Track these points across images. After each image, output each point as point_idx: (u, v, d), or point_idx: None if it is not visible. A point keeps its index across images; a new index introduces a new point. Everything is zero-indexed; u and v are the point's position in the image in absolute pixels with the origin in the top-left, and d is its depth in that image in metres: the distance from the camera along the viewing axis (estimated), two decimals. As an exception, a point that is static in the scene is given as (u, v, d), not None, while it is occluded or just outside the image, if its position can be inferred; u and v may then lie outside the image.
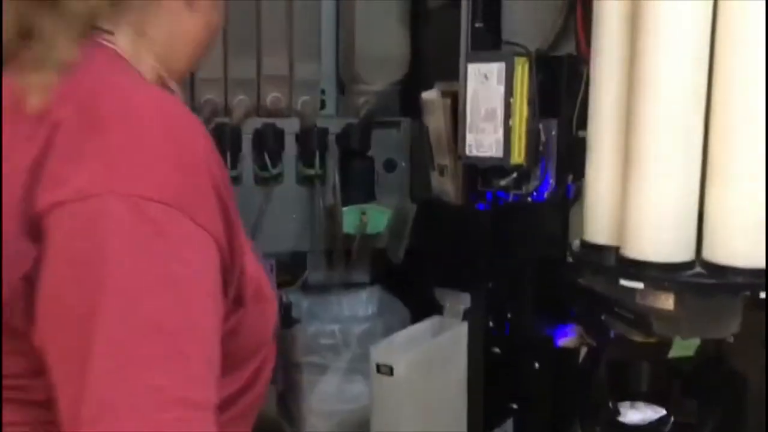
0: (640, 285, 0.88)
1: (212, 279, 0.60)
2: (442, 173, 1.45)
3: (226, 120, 1.50)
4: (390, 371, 1.05)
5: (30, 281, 0.56)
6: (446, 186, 1.44)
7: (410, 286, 1.59)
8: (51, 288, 0.56)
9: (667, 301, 0.92)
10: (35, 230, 0.56)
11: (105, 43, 0.68)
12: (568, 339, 1.22)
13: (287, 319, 1.49)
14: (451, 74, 1.31)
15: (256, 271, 0.74)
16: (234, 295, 0.66)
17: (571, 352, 1.23)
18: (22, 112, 0.59)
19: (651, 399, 1.11)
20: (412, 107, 1.53)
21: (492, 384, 1.22)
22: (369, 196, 1.60)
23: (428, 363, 1.11)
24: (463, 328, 1.18)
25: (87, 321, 0.54)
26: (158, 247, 0.56)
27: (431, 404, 1.16)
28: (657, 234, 0.87)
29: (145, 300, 0.55)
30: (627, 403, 1.11)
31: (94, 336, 0.53)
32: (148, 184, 0.56)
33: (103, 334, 0.53)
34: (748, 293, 0.83)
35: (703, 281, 0.85)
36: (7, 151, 0.59)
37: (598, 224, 0.96)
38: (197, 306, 0.58)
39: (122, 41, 0.69)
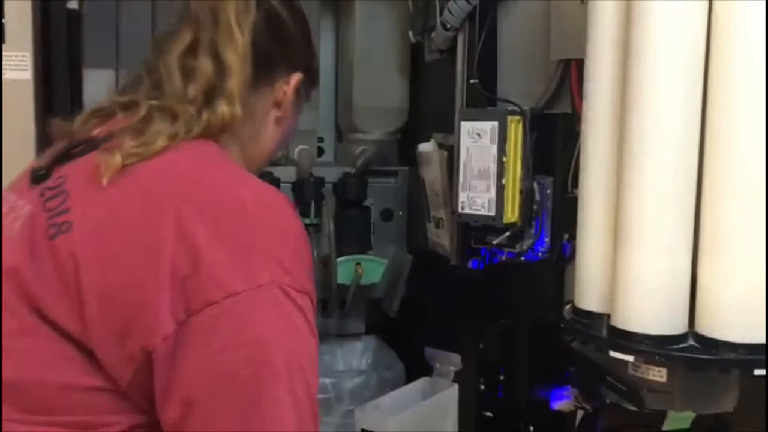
0: (629, 358, 0.85)
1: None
2: (438, 225, 1.43)
3: (221, 168, 1.49)
4: (375, 437, 1.02)
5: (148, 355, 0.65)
6: (442, 239, 1.41)
7: (406, 338, 1.55)
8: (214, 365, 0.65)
9: (659, 374, 0.89)
10: (186, 312, 0.64)
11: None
12: (563, 402, 1.18)
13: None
14: (448, 126, 1.30)
15: None
16: None
17: (567, 416, 1.19)
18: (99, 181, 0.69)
19: (647, 467, 1.07)
20: (410, 157, 1.52)
21: (484, 449, 1.19)
22: (365, 246, 1.58)
23: (416, 427, 1.08)
24: (454, 391, 1.14)
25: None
26: (303, 325, 0.71)
27: (420, 470, 1.12)
28: (648, 305, 0.84)
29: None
30: (623, 471, 1.07)
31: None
32: (292, 276, 0.69)
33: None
34: (740, 370, 0.80)
35: (695, 356, 0.82)
36: (120, 212, 0.68)
37: (588, 290, 0.93)
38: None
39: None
